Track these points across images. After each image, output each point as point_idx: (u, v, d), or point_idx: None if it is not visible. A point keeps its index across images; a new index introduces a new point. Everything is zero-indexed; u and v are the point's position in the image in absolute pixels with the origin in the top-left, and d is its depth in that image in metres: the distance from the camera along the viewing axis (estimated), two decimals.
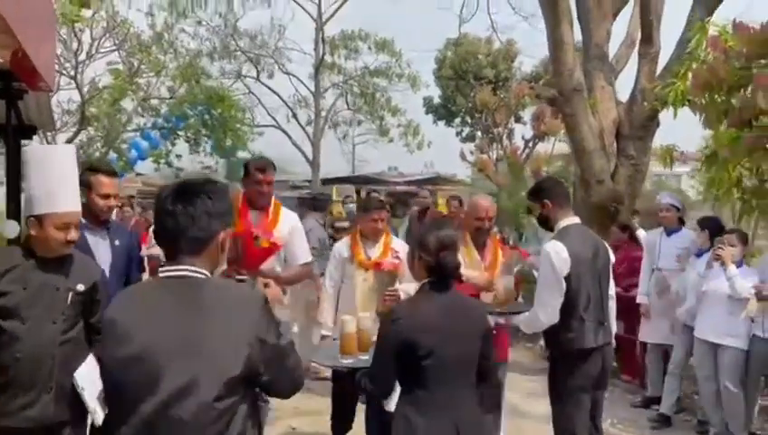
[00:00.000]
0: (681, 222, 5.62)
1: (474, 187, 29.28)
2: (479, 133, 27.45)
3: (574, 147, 7.89)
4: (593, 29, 8.19)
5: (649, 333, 5.49)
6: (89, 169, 3.38)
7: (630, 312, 6.02)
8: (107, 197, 3.27)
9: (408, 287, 4.12)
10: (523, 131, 26.86)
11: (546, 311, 3.32)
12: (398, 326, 2.38)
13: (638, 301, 5.55)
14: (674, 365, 5.18)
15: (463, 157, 28.09)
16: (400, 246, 4.27)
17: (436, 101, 27.31)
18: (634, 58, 8.82)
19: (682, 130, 7.83)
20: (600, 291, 3.48)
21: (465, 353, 2.45)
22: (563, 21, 7.63)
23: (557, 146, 26.71)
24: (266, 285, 2.66)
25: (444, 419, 2.37)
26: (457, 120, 28.40)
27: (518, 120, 26.92)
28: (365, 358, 3.01)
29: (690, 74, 5.88)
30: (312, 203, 7.18)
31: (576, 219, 3.51)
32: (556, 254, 3.28)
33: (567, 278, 3.29)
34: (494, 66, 26.83)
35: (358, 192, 20.00)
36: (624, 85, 8.54)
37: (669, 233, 5.54)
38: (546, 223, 3.53)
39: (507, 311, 3.77)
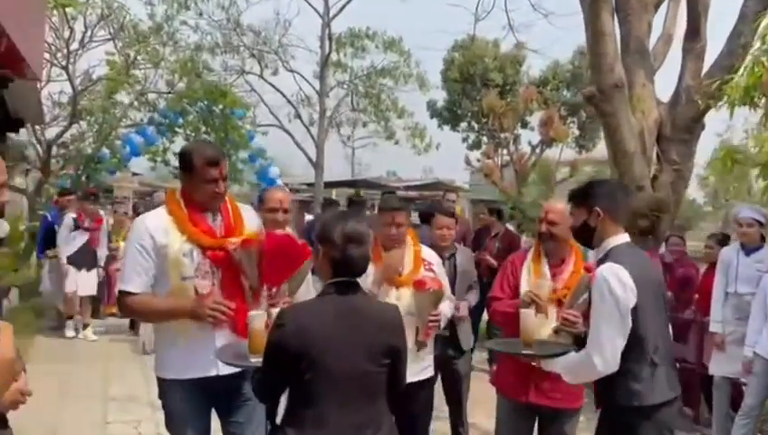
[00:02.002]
0: (763, 239, 4.90)
1: (473, 193, 28.78)
2: (485, 139, 26.96)
3: (612, 149, 7.18)
4: (633, 21, 7.49)
5: (721, 364, 4.76)
6: None
7: (686, 335, 5.33)
8: None
9: (444, 308, 3.40)
10: (529, 137, 26.52)
11: (605, 355, 2.50)
12: (282, 333, 2.02)
13: (711, 329, 4.82)
14: (749, 406, 4.44)
15: (467, 162, 27.62)
16: (433, 256, 3.53)
17: (441, 104, 26.67)
18: (671, 55, 8.17)
19: None
20: (667, 325, 2.73)
21: (363, 371, 2.05)
22: (604, 9, 6.94)
23: (565, 152, 26.40)
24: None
25: None
26: (463, 125, 27.80)
27: (525, 125, 26.45)
28: None
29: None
30: (349, 207, 6.70)
31: (627, 238, 2.69)
32: (618, 281, 2.49)
33: (633, 311, 2.52)
34: (501, 70, 26.29)
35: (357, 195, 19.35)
36: (661, 85, 7.88)
37: (748, 252, 4.81)
38: (586, 237, 2.73)
39: (540, 353, 2.91)
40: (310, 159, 17.44)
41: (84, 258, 7.68)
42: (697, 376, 5.40)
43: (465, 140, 27.70)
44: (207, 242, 2.61)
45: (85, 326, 7.78)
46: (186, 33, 14.79)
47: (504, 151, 25.51)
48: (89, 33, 11.28)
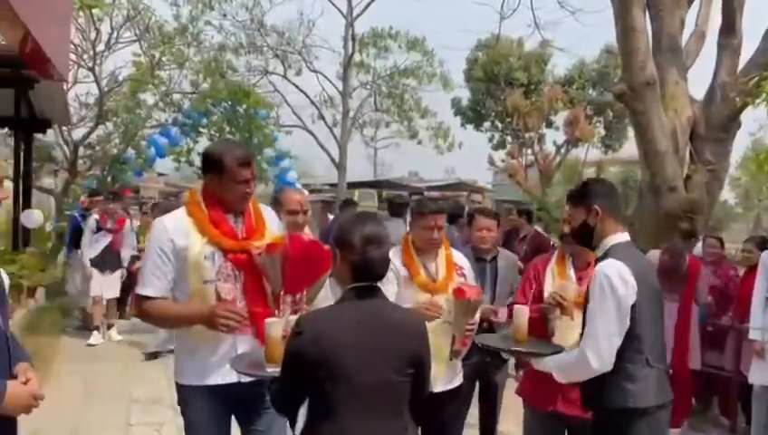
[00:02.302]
0: None
1: (496, 193, 28.53)
2: (509, 138, 26.69)
3: (643, 149, 7.01)
4: (665, 17, 7.30)
5: (761, 373, 4.56)
6: None
7: (724, 342, 5.13)
8: None
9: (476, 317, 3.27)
10: (554, 137, 26.20)
11: (600, 353, 2.43)
12: (300, 341, 1.92)
13: (750, 337, 4.63)
14: None
15: (491, 162, 27.40)
16: (463, 261, 3.40)
17: (465, 103, 26.45)
18: (704, 52, 7.94)
19: None
20: (663, 327, 2.64)
21: (386, 381, 1.95)
22: (635, 5, 6.78)
23: (591, 152, 26.02)
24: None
25: None
26: (487, 125, 27.56)
27: (549, 124, 26.15)
28: None
29: None
30: (391, 209, 6.44)
31: (627, 236, 2.63)
32: (619, 277, 2.43)
33: (631, 310, 2.45)
34: (526, 69, 25.99)
35: (380, 196, 19.27)
36: (694, 82, 7.66)
37: None
38: (586, 237, 2.65)
39: (530, 350, 2.83)
40: (333, 160, 17.42)
41: (107, 260, 7.63)
42: (735, 385, 5.20)
43: (490, 139, 27.46)
44: (229, 245, 2.52)
45: (110, 326, 7.77)
46: (210, 33, 14.89)
47: (529, 151, 25.35)
48: (115, 34, 11.37)
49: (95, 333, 7.50)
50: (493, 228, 3.92)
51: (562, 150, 24.84)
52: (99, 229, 7.60)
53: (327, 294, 2.74)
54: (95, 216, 7.73)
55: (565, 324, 3.12)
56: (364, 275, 1.97)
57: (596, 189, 2.67)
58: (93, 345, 7.35)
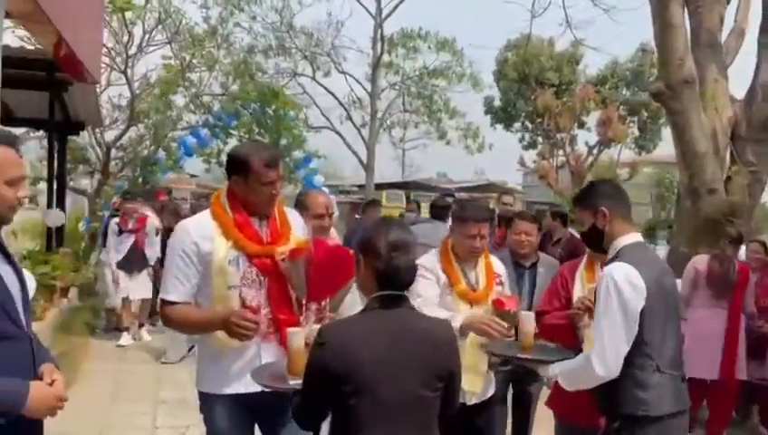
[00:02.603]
0: None
1: (526, 195, 28.16)
2: (540, 139, 26.34)
3: (681, 150, 6.76)
4: (704, 13, 7.04)
5: None
6: None
7: (765, 351, 4.91)
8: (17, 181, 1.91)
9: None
10: (586, 138, 25.77)
11: (605, 360, 2.34)
12: (323, 352, 1.83)
13: None
14: None
15: (522, 163, 27.05)
16: (501, 268, 3.28)
17: (497, 103, 26.19)
18: (744, 49, 7.66)
19: None
20: (678, 333, 2.52)
21: (414, 396, 1.84)
22: (673, 1, 6.54)
23: (624, 153, 25.51)
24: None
25: None
26: (517, 125, 27.25)
27: (581, 125, 25.73)
28: None
29: None
30: (433, 212, 6.40)
31: (639, 237, 2.53)
32: (627, 280, 2.34)
33: (640, 315, 2.34)
34: (557, 69, 25.65)
35: (408, 198, 19.14)
36: (734, 81, 7.40)
37: None
38: (596, 240, 2.56)
39: (535, 357, 2.73)
40: (361, 161, 17.36)
41: (133, 261, 7.60)
42: None
43: (520, 140, 27.14)
44: (254, 249, 2.45)
45: (140, 326, 7.78)
46: (239, 35, 14.97)
47: (560, 152, 24.98)
48: (147, 37, 11.48)
49: (125, 334, 7.54)
50: (532, 233, 3.79)
51: (595, 151, 24.44)
52: (121, 231, 7.61)
53: (355, 300, 2.66)
54: (116, 218, 7.74)
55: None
56: (390, 283, 1.87)
57: (601, 190, 2.59)
58: (123, 346, 7.40)
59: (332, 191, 19.83)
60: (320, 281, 2.36)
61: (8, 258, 1.95)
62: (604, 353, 2.33)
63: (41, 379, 1.88)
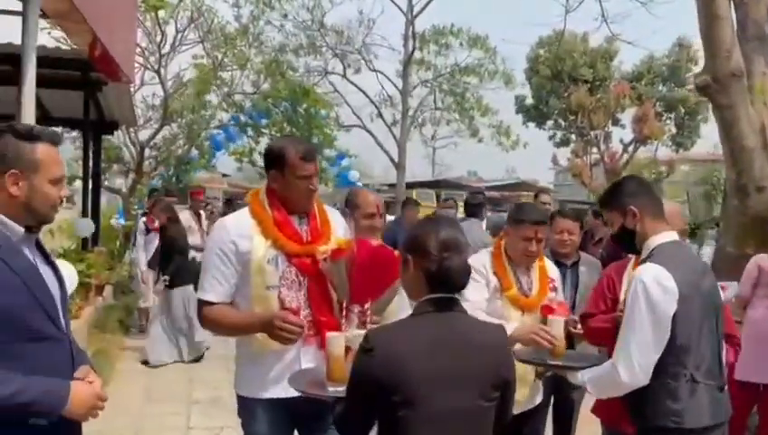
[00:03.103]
0: None
1: (558, 193, 27.74)
2: (573, 137, 25.93)
3: (729, 146, 6.49)
4: (750, 4, 6.75)
5: None
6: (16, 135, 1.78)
7: None
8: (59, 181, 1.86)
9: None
10: (620, 135, 25.27)
11: (632, 367, 2.20)
12: (370, 360, 1.69)
13: None
14: None
15: (555, 161, 26.68)
16: (555, 271, 3.14)
17: (529, 101, 25.85)
18: None
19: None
20: (717, 340, 2.36)
21: (468, 407, 1.72)
22: None
23: (660, 150, 24.95)
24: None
25: None
26: (549, 123, 26.87)
27: (616, 122, 25.25)
28: None
29: None
30: (467, 209, 6.30)
31: (674, 235, 2.37)
32: (656, 282, 2.19)
33: (672, 319, 2.19)
34: (591, 65, 25.22)
35: (438, 197, 18.94)
36: None
37: None
38: (628, 241, 2.43)
39: (565, 364, 2.59)
40: (392, 160, 17.24)
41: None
42: None
43: (551, 138, 26.76)
44: (294, 248, 2.36)
45: None
46: (270, 34, 14.97)
47: (594, 150, 24.55)
48: (179, 36, 11.55)
49: None
50: (574, 231, 3.65)
51: (630, 149, 23.96)
52: (148, 230, 7.61)
53: (403, 304, 2.54)
54: (143, 218, 7.72)
55: None
56: (442, 285, 1.74)
57: (628, 189, 2.45)
58: None
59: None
60: (363, 282, 2.25)
61: (47, 258, 1.92)
62: (630, 360, 2.20)
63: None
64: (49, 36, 8.64)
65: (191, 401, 5.52)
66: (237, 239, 2.36)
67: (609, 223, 2.49)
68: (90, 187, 9.18)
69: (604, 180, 24.06)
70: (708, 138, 23.29)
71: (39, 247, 1.91)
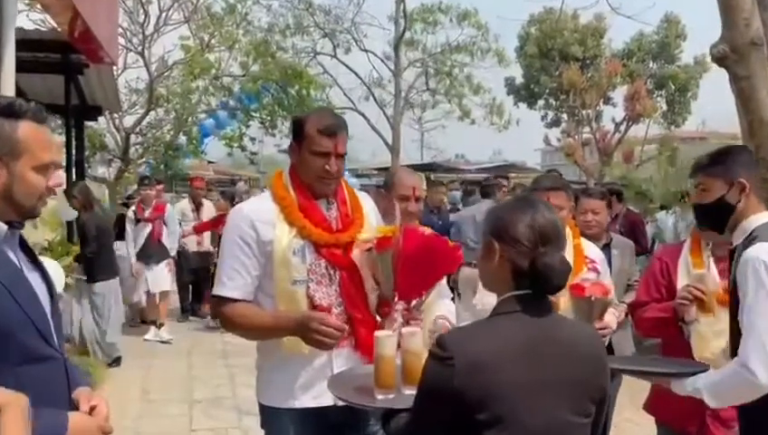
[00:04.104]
0: None
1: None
2: (564, 117, 25.65)
3: (747, 119, 6.18)
4: None
5: None
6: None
7: None
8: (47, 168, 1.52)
9: (610, 320, 2.69)
10: (612, 113, 25.04)
11: None
12: (447, 371, 1.36)
13: None
14: None
15: (547, 141, 26.41)
16: (596, 252, 2.83)
17: (519, 81, 25.53)
18: None
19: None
20: None
21: (563, 425, 1.42)
22: None
23: (652, 128, 24.77)
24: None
25: None
26: (540, 103, 26.57)
27: (607, 101, 24.99)
28: (414, 393, 1.67)
29: None
30: (482, 190, 6.34)
31: None
32: None
33: None
34: (581, 43, 24.87)
35: (428, 180, 18.61)
36: None
37: None
38: (718, 216, 2.14)
39: (665, 371, 2.25)
40: (386, 143, 16.85)
41: (151, 252, 7.14)
42: None
43: (543, 118, 26.48)
44: (323, 238, 2.04)
45: (160, 326, 7.18)
46: (258, 14, 14.46)
47: (585, 129, 24.30)
48: (163, 16, 11.03)
49: (152, 328, 7.17)
50: (600, 211, 3.42)
51: (622, 128, 23.74)
52: (137, 221, 7.18)
53: (440, 294, 2.21)
54: (132, 207, 7.26)
55: (705, 327, 2.53)
56: (534, 284, 1.43)
57: (741, 158, 2.18)
58: (149, 341, 7.04)
59: (352, 174, 19.40)
60: (410, 276, 1.92)
61: (34, 260, 1.58)
62: (766, 354, 1.88)
63: (77, 407, 1.53)
64: (27, 18, 8.17)
65: (192, 400, 5.20)
66: (259, 225, 2.04)
67: (704, 189, 2.18)
68: (73, 176, 8.74)
69: (597, 160, 23.89)
70: (698, 115, 23.17)
71: (23, 248, 1.56)
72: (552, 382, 1.39)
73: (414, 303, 1.90)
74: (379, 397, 1.73)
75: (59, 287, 4.73)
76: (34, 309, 1.47)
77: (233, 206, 7.69)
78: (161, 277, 7.20)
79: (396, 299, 1.93)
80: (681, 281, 2.70)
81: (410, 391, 1.75)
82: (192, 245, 7.96)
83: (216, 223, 7.42)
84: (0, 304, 1.39)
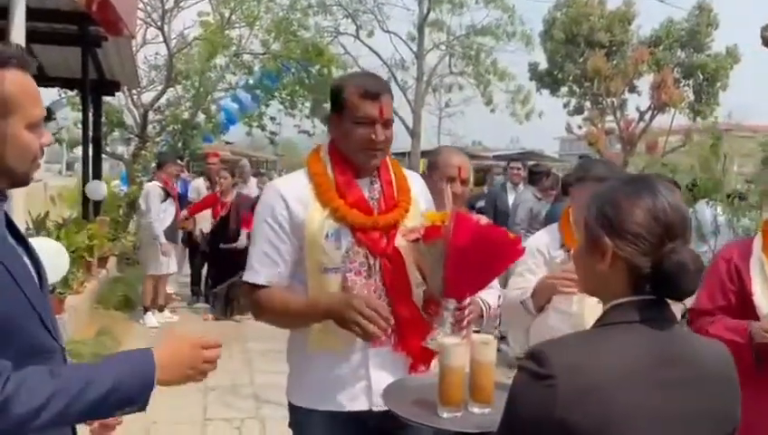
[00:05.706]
0: None
1: (564, 163, 27.00)
2: (588, 105, 25.11)
3: None
4: None
5: None
6: None
7: None
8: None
9: None
10: (636, 102, 24.48)
11: None
12: (548, 393, 1.07)
13: None
14: None
15: (569, 130, 25.89)
16: None
17: (543, 66, 25.01)
18: None
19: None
20: None
21: None
22: None
23: (677, 118, 24.16)
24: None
25: None
26: (564, 90, 26.03)
27: (632, 89, 24.40)
28: (484, 412, 1.50)
29: None
30: (530, 177, 6.18)
31: None
32: None
33: None
34: (608, 29, 24.26)
35: None
36: None
37: None
38: None
39: None
40: (407, 127, 16.56)
41: (176, 232, 6.93)
42: None
43: (566, 105, 25.94)
44: (360, 220, 1.78)
45: (161, 308, 6.89)
46: None
47: (609, 118, 23.76)
48: None
49: (150, 313, 6.88)
50: None
51: (646, 117, 23.17)
52: (167, 195, 6.77)
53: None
54: (158, 183, 6.78)
55: None
56: (659, 287, 1.13)
57: None
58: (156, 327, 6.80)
59: None
60: (462, 271, 1.63)
61: (26, 246, 1.35)
62: None
63: None
64: None
65: (207, 387, 4.98)
66: (292, 204, 1.79)
67: None
68: (90, 152, 8.56)
69: (619, 149, 23.37)
70: (725, 105, 22.49)
71: (9, 225, 1.32)
72: (679, 413, 1.11)
73: (466, 301, 1.63)
74: (445, 415, 1.49)
75: (60, 272, 4.47)
76: (38, 299, 1.26)
77: (234, 185, 7.48)
78: (174, 260, 6.99)
79: (444, 297, 1.66)
80: (756, 286, 2.31)
81: (479, 410, 1.49)
82: (206, 226, 7.66)
83: (207, 204, 7.32)
84: (7, 288, 1.19)
